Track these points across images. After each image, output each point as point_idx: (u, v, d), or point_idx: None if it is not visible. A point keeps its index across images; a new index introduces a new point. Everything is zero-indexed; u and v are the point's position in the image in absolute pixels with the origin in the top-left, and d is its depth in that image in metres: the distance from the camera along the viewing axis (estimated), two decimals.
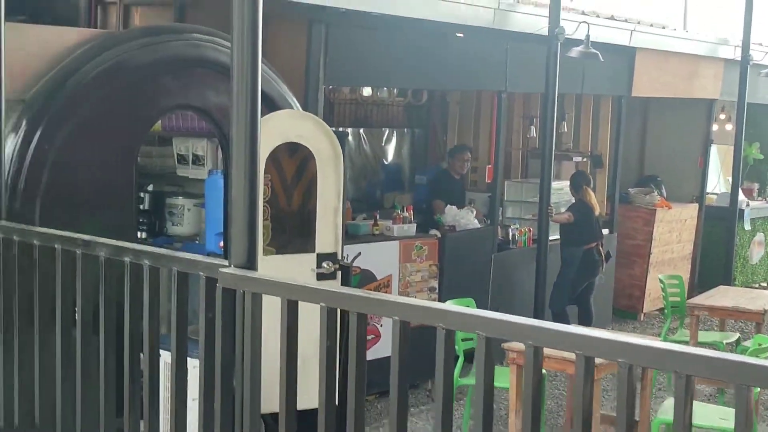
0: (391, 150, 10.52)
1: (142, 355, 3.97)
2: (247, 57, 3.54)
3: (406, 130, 10.56)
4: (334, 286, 5.61)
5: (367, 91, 9.52)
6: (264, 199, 5.71)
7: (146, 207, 6.71)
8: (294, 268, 5.63)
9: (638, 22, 10.11)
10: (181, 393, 3.82)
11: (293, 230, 6.06)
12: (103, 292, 4.04)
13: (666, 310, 8.98)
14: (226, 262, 3.59)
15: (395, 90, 9.91)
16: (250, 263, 3.55)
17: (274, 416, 3.76)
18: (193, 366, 3.80)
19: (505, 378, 6.25)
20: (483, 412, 2.95)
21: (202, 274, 3.65)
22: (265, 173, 5.73)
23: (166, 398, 4.41)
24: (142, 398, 4.01)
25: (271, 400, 3.70)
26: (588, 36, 8.20)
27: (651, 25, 10.47)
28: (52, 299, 4.22)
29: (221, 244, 6.03)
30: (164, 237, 6.67)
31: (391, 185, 9.96)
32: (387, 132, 10.41)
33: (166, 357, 4.08)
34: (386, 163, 10.36)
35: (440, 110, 10.74)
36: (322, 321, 3.26)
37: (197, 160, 6.85)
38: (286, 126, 5.90)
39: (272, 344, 3.48)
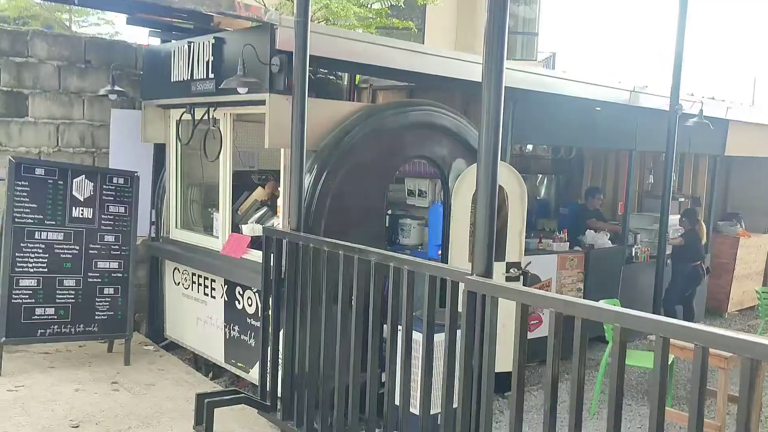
0: (542, 189, 10.07)
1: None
2: (492, 125, 3.16)
3: (552, 175, 10.09)
4: (521, 286, 5.15)
5: (528, 147, 9.04)
6: (471, 222, 5.44)
7: (386, 224, 6.47)
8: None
9: (731, 101, 9.23)
10: (429, 362, 3.48)
11: None
12: (373, 285, 3.79)
13: (761, 313, 8.24)
14: (469, 271, 3.22)
15: (549, 147, 9.40)
16: (488, 273, 3.17)
17: None
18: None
19: (641, 358, 5.61)
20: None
21: (449, 279, 3.32)
22: (472, 205, 5.45)
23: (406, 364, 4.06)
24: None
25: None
26: (701, 111, 7.44)
27: (741, 104, 9.50)
28: (335, 288, 4.01)
29: (439, 252, 5.73)
30: (397, 245, 6.41)
31: (542, 214, 9.45)
32: (540, 177, 9.97)
33: (417, 336, 3.74)
34: (538, 198, 9.87)
35: (578, 162, 10.14)
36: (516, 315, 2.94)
37: (421, 194, 6.60)
38: None
39: None
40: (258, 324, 5.32)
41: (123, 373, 5.46)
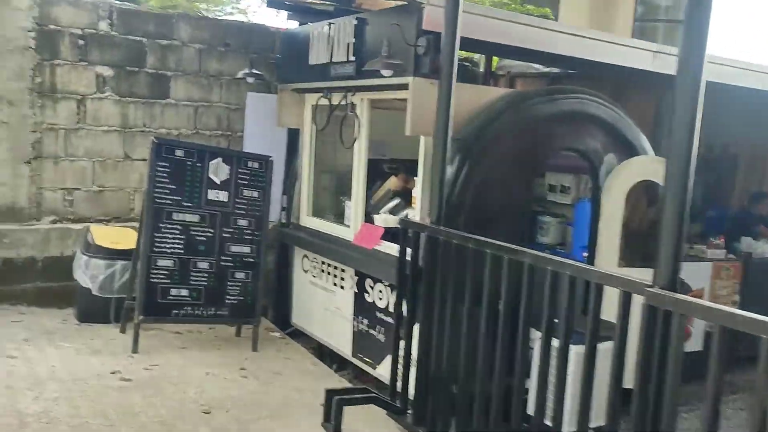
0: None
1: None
2: (686, 120, 2.69)
3: (698, 175, 9.13)
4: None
5: None
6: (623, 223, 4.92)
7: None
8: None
9: None
10: (590, 376, 3.06)
11: (638, 247, 5.13)
12: (525, 289, 3.41)
13: None
14: (650, 282, 2.77)
15: (703, 144, 8.52)
16: (672, 285, 2.71)
17: None
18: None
19: None
20: None
21: (621, 289, 2.89)
22: (625, 204, 4.93)
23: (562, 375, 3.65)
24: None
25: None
26: None
27: None
28: (479, 288, 3.66)
29: (585, 254, 5.22)
30: (534, 244, 5.93)
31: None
32: None
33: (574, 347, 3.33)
34: None
35: (728, 161, 9.17)
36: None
37: (564, 190, 6.09)
38: (646, 167, 4.99)
39: None
40: (389, 319, 5.08)
41: (251, 359, 5.39)
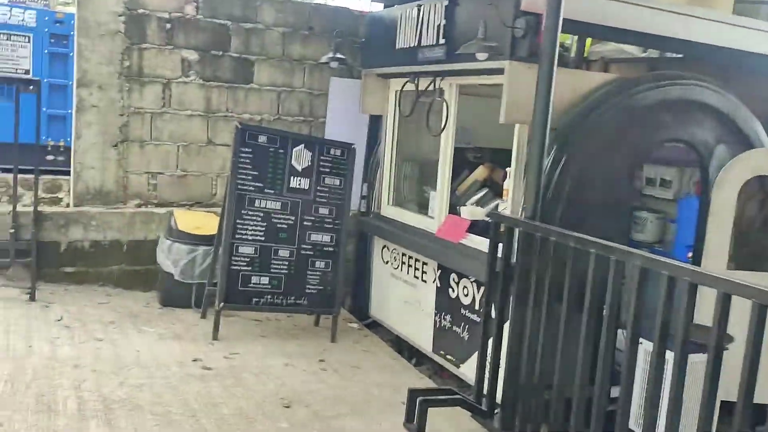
0: None
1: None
2: None
3: None
4: None
5: None
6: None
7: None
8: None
9: None
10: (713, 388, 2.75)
11: (751, 248, 4.70)
12: (635, 296, 3.11)
13: None
14: None
15: None
16: None
17: None
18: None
19: None
20: None
21: (753, 300, 2.56)
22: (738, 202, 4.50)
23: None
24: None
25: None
26: None
27: None
28: (578, 288, 3.39)
29: (689, 255, 4.82)
30: (630, 241, 5.53)
31: None
32: None
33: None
34: None
35: None
36: None
37: (664, 184, 5.64)
38: (762, 161, 4.54)
39: None
40: (475, 317, 4.85)
41: (329, 350, 5.28)
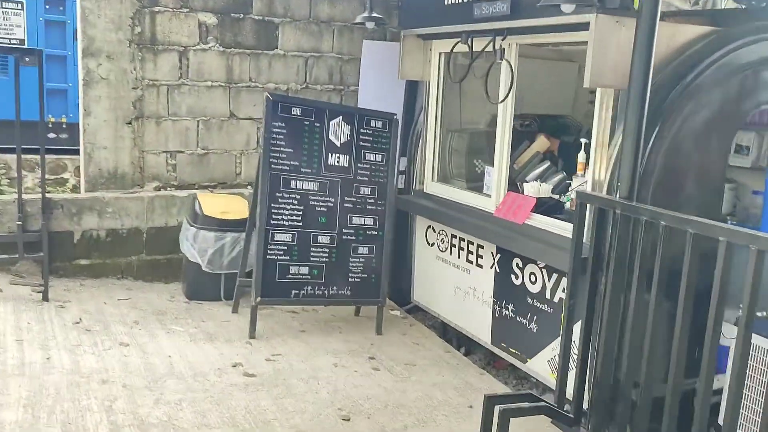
0: None
1: None
2: None
3: None
4: None
5: None
6: None
7: None
8: None
9: None
10: None
11: None
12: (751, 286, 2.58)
13: None
14: None
15: None
16: None
17: None
18: None
19: None
20: None
21: None
22: None
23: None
24: None
25: None
26: None
27: None
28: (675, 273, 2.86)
29: None
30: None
31: None
32: None
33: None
34: None
35: None
36: None
37: (740, 150, 5.05)
38: None
39: None
40: (545, 307, 4.32)
41: (377, 345, 4.77)
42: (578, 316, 3.52)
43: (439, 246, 5.39)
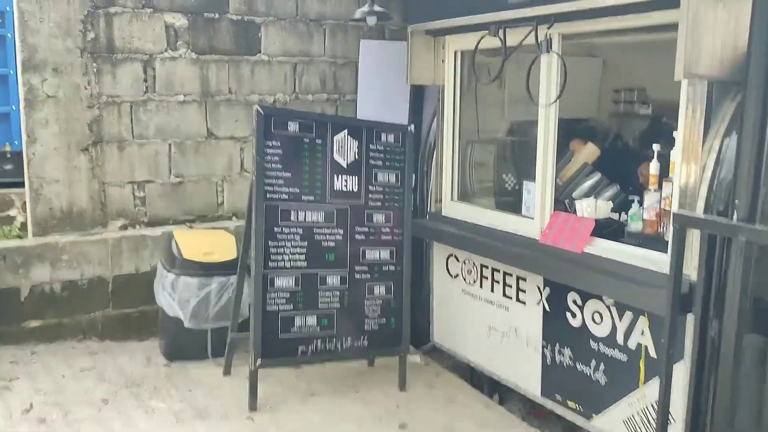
0: None
1: None
2: None
3: None
4: None
5: None
6: None
7: None
8: None
9: None
10: None
11: None
12: None
13: None
14: None
15: None
16: None
17: None
18: None
19: None
20: None
21: None
22: None
23: None
24: None
25: None
26: None
27: None
28: None
29: None
30: None
31: None
32: None
33: None
34: None
35: None
36: None
37: None
38: None
39: None
40: (615, 353, 3.52)
41: (404, 405, 3.92)
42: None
43: (465, 278, 4.56)
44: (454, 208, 4.68)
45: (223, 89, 4.71)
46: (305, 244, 3.89)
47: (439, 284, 4.83)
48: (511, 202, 4.39)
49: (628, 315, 3.47)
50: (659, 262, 3.18)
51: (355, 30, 4.98)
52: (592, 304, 3.66)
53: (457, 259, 4.62)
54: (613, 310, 3.53)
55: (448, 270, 4.73)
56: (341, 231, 4.01)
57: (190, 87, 4.61)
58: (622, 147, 5.36)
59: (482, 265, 4.40)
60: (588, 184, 4.03)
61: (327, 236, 3.97)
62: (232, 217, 4.82)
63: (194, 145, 4.69)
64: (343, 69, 5.07)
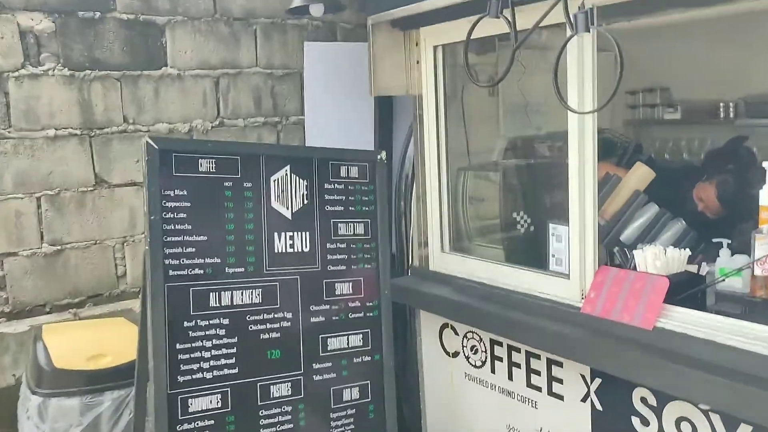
0: None
1: None
2: None
3: None
4: None
5: None
6: None
7: None
8: None
9: None
10: None
11: None
12: None
13: None
14: None
15: None
16: None
17: None
18: None
19: None
20: None
21: None
22: None
23: None
24: None
25: None
26: None
27: None
28: None
29: None
30: None
31: None
32: None
33: None
34: None
35: None
36: None
37: None
38: None
39: None
40: None
41: None
42: None
43: (468, 357, 3.30)
44: (445, 261, 3.42)
45: (114, 118, 3.37)
46: (234, 340, 2.57)
47: (431, 365, 3.55)
48: (527, 251, 3.16)
49: (732, 427, 2.23)
50: None
51: (297, 30, 3.74)
52: (676, 408, 2.43)
53: (455, 332, 3.36)
54: (716, 419, 2.30)
55: (443, 346, 3.45)
56: (289, 314, 2.70)
57: (65, 117, 3.26)
58: (648, 163, 4.26)
59: (492, 341, 3.14)
60: (642, 221, 2.83)
61: (268, 325, 2.66)
62: (139, 293, 3.48)
63: (77, 197, 3.33)
64: (284, 82, 3.80)
